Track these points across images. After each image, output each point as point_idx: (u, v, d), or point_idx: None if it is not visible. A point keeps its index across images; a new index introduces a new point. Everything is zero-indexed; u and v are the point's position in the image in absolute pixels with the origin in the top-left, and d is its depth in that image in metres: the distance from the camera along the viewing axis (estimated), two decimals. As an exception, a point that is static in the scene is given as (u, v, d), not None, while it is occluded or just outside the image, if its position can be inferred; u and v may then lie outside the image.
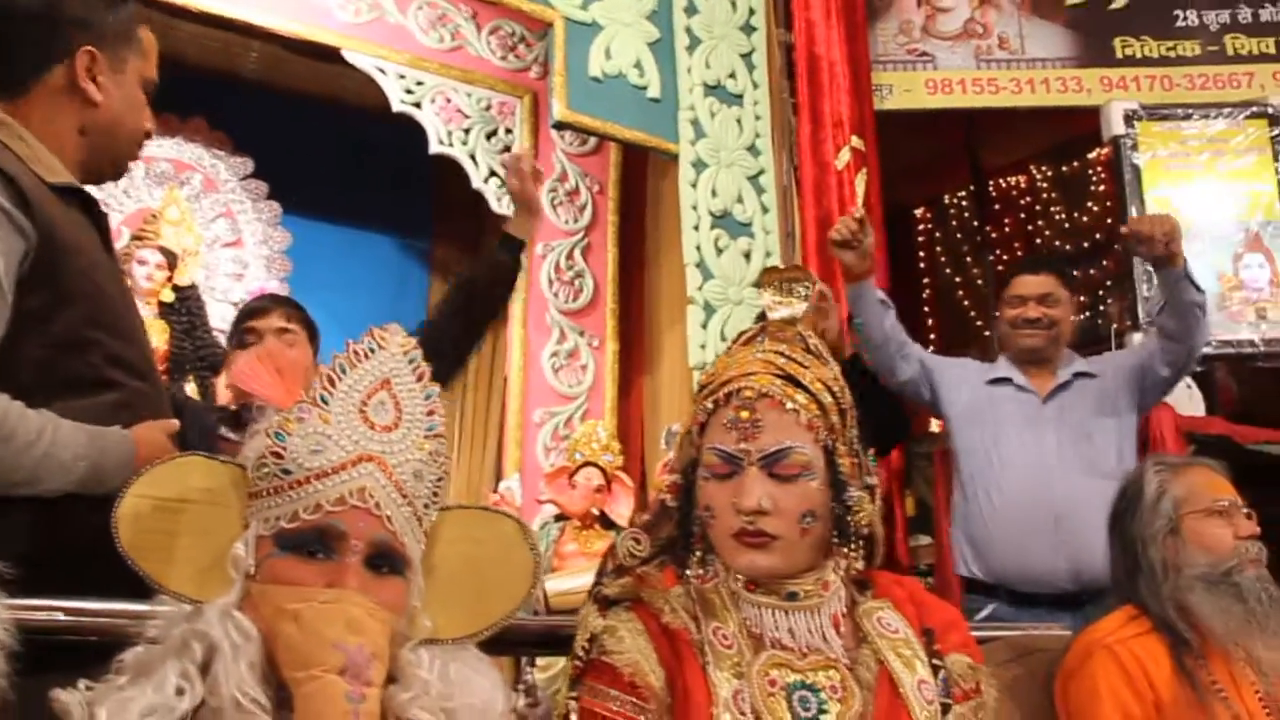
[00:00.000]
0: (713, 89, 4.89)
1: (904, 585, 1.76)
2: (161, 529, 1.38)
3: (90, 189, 1.99)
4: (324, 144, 6.16)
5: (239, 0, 4.77)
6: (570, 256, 5.32)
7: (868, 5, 5.30)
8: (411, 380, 1.44)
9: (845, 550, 1.66)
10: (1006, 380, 3.52)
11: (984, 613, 3.29)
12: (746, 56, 5.05)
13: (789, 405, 1.59)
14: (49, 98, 1.94)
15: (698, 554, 1.68)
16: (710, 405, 1.63)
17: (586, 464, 4.71)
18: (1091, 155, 7.10)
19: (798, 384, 1.62)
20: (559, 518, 4.76)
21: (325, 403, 1.38)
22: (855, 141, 4.81)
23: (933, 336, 7.74)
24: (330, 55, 5.53)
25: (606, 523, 4.64)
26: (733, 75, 4.97)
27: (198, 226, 5.95)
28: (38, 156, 1.87)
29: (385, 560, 1.37)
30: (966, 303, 7.97)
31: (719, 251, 4.64)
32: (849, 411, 1.69)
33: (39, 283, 1.80)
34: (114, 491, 1.59)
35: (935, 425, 8.00)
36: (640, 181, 5.49)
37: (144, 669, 1.32)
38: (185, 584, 1.37)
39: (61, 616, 1.64)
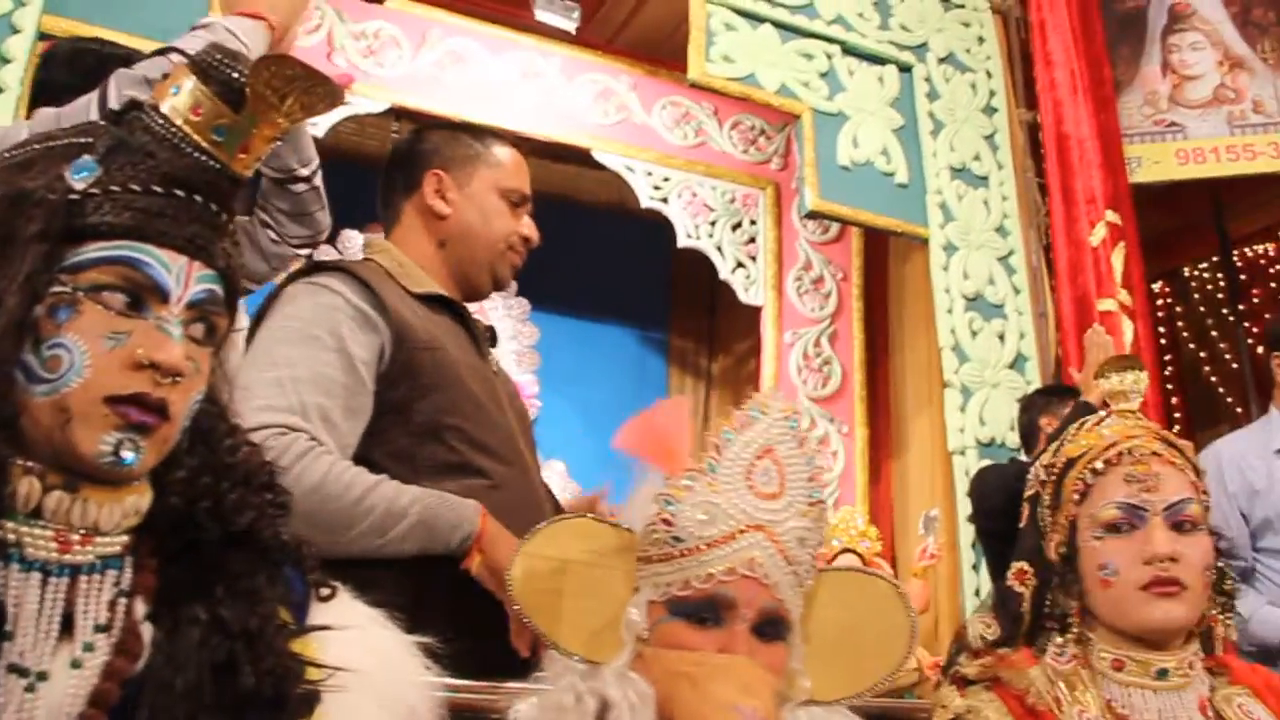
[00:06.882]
0: (958, 172, 4.87)
1: (1257, 673, 1.71)
2: (550, 588, 1.43)
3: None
4: (565, 241, 6.37)
5: (495, 109, 5.03)
6: (818, 344, 5.34)
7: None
8: (793, 447, 1.46)
9: (1220, 617, 1.65)
10: None
11: None
12: (989, 138, 5.01)
13: (1178, 461, 1.61)
14: (412, 219, 2.20)
15: (1073, 631, 1.67)
16: (1100, 466, 1.64)
17: (845, 550, 4.69)
18: (1351, 219, 6.74)
19: (1175, 447, 1.64)
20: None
21: (713, 470, 1.41)
22: (1110, 216, 4.69)
23: (1178, 415, 7.40)
24: (569, 158, 5.76)
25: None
26: (977, 157, 4.94)
27: (451, 323, 6.19)
28: (406, 272, 2.10)
29: (771, 627, 1.41)
30: (1214, 379, 7.60)
31: (973, 334, 4.58)
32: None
33: (398, 377, 1.96)
34: (450, 551, 1.82)
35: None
36: (881, 267, 5.50)
37: None
38: (575, 643, 1.43)
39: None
